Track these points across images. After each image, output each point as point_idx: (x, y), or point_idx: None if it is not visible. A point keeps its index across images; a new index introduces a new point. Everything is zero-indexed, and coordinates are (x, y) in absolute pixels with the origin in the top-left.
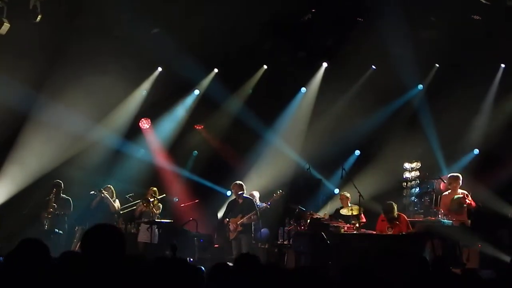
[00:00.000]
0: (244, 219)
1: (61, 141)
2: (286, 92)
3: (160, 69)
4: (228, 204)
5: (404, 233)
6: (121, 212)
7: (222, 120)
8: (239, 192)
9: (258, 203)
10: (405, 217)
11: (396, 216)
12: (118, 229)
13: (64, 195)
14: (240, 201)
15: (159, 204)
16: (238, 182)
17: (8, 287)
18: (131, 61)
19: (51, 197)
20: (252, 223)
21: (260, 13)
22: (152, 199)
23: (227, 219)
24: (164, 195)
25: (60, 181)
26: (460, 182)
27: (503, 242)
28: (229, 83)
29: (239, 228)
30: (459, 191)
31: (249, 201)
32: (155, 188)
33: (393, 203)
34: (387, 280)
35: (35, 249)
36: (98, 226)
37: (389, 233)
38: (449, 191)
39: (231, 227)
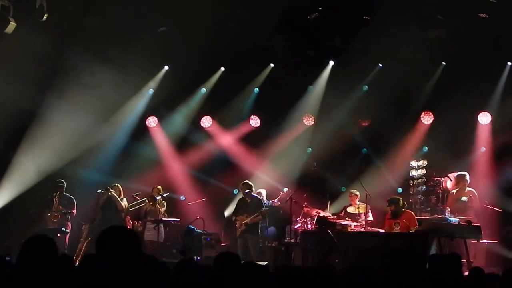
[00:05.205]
0: (248, 220)
1: (68, 140)
2: (293, 90)
3: (166, 67)
4: (237, 202)
5: (410, 231)
6: (130, 209)
7: (228, 118)
8: (246, 191)
9: (265, 201)
10: (413, 214)
11: (402, 211)
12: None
13: (67, 194)
14: (249, 200)
15: (164, 202)
16: (246, 181)
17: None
18: (138, 59)
19: (54, 196)
20: (259, 222)
21: (268, 11)
22: (158, 197)
23: (234, 217)
24: (168, 193)
25: (63, 180)
26: (468, 180)
27: (509, 239)
28: (236, 81)
29: (243, 227)
30: (467, 189)
31: (257, 201)
32: (159, 186)
33: (400, 198)
34: (392, 278)
35: (43, 246)
36: (112, 228)
37: (396, 229)
38: (457, 189)
39: (237, 224)
